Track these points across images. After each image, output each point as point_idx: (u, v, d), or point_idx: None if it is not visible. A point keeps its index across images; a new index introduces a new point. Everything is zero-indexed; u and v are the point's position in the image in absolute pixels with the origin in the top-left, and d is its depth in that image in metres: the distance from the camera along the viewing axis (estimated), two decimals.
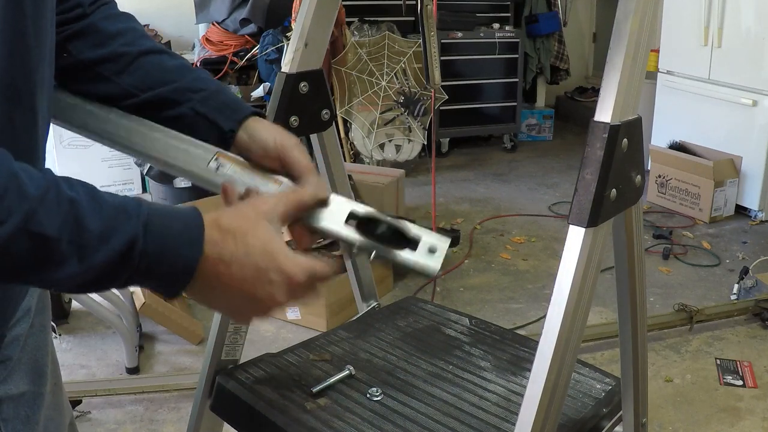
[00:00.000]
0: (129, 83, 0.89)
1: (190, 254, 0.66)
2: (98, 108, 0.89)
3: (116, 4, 0.95)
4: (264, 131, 0.90)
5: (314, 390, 1.01)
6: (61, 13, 0.81)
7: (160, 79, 0.91)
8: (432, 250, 0.79)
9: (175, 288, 0.67)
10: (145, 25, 4.77)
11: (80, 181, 0.63)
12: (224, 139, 0.90)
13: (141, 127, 0.89)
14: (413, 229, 0.81)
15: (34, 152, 0.71)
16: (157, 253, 0.63)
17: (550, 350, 0.72)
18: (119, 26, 0.91)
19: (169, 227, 0.65)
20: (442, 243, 0.80)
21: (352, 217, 0.82)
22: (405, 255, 0.79)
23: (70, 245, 0.59)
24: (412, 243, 0.80)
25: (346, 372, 1.05)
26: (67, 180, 0.62)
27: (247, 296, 0.69)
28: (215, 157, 0.86)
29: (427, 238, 0.80)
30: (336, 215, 0.82)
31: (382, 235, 0.80)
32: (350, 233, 0.81)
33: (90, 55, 0.87)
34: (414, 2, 1.46)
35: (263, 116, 0.94)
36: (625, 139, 0.74)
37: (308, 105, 1.07)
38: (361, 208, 0.82)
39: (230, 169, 0.86)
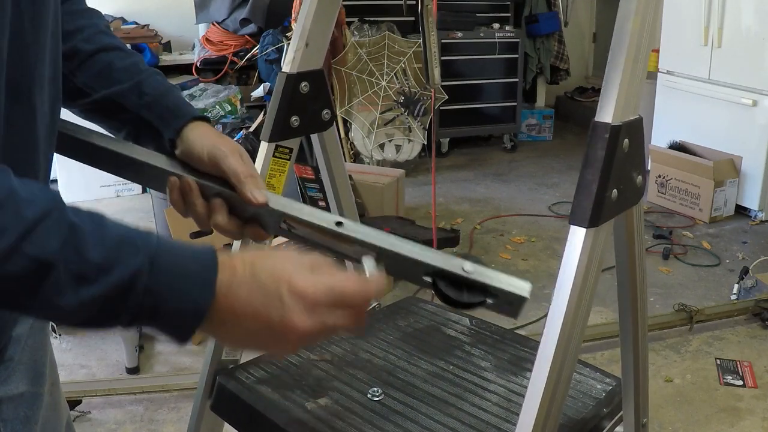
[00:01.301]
0: (82, 81, 0.89)
1: (201, 297, 0.61)
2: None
3: None
4: (197, 142, 0.86)
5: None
6: None
7: (109, 79, 0.89)
8: (510, 303, 0.71)
9: (185, 333, 0.61)
10: (145, 25, 4.76)
11: (89, 209, 0.60)
12: (165, 146, 0.90)
13: None
14: (491, 281, 0.73)
15: (33, 149, 0.71)
16: (164, 292, 0.59)
17: (551, 350, 0.71)
18: (79, 23, 0.90)
19: (179, 265, 0.60)
20: (523, 294, 0.71)
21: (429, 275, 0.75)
22: (489, 306, 0.73)
23: (67, 273, 0.55)
24: (489, 293, 0.73)
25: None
26: (74, 207, 0.59)
27: (262, 324, 0.63)
28: (283, 220, 0.83)
29: (505, 294, 0.72)
30: (412, 273, 0.75)
31: (458, 286, 0.73)
32: (430, 288, 0.75)
33: None
34: (414, 2, 1.45)
35: (204, 119, 0.91)
36: (626, 140, 0.74)
37: (309, 105, 1.07)
38: (439, 264, 0.75)
39: (302, 232, 0.82)
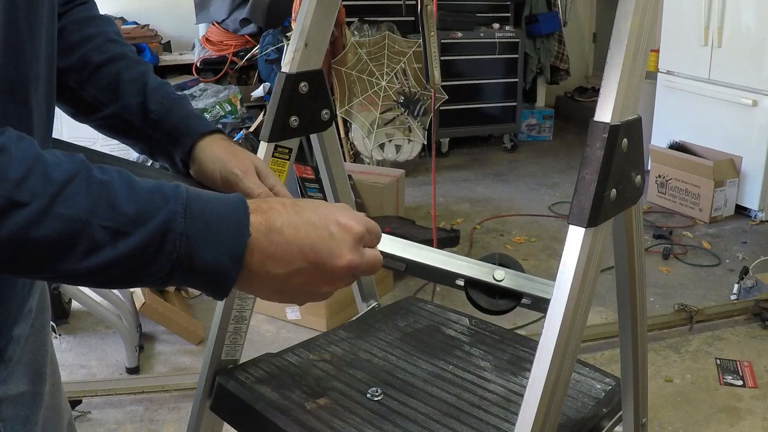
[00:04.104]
0: (92, 96, 0.87)
1: (237, 238, 0.61)
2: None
3: (95, 4, 0.92)
4: (209, 166, 0.86)
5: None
6: None
7: (116, 93, 0.88)
8: (546, 302, 0.75)
9: (226, 277, 0.61)
10: (145, 25, 4.77)
11: (115, 167, 0.60)
12: (178, 166, 0.89)
13: None
14: (523, 288, 0.77)
15: None
16: (200, 235, 0.59)
17: (550, 350, 0.71)
18: (88, 31, 0.88)
19: (211, 210, 0.60)
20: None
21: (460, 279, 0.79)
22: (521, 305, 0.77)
23: (102, 229, 0.56)
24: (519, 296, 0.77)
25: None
26: (101, 166, 0.59)
27: (311, 261, 0.64)
28: None
29: (534, 293, 0.77)
30: (442, 278, 0.79)
31: (490, 293, 0.77)
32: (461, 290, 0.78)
33: (58, 64, 0.84)
34: (414, 2, 1.45)
35: (216, 131, 0.90)
36: (625, 139, 0.74)
37: (308, 105, 1.07)
38: (466, 272, 0.79)
39: None
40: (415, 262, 0.84)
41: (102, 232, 0.56)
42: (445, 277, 0.82)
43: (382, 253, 0.72)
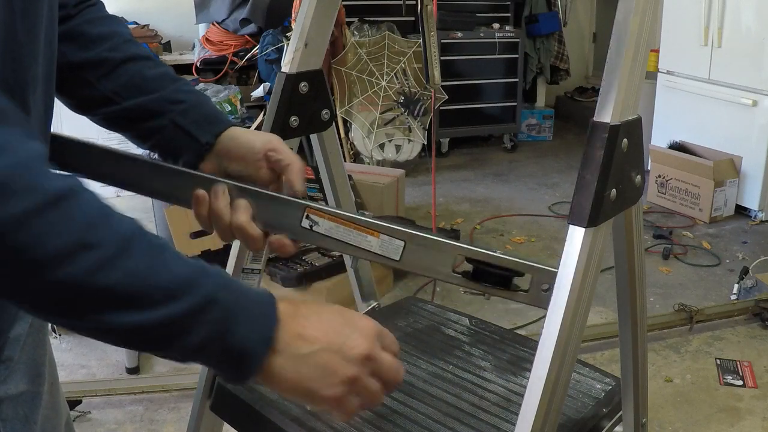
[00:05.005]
0: (110, 90, 0.89)
1: (266, 318, 0.64)
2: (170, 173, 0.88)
3: (104, 5, 0.94)
4: (249, 134, 0.91)
5: None
6: None
7: (141, 88, 0.90)
8: (545, 289, 0.75)
9: (253, 357, 0.63)
10: (145, 25, 4.77)
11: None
12: (200, 151, 0.91)
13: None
14: (522, 264, 0.78)
15: None
16: (237, 311, 0.61)
17: (550, 350, 0.71)
18: (103, 30, 0.90)
19: (243, 291, 0.64)
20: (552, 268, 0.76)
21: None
22: (520, 297, 0.77)
23: (157, 289, 0.58)
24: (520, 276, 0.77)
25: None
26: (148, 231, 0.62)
27: (332, 342, 0.67)
28: (306, 214, 0.84)
29: (539, 274, 0.77)
30: (440, 261, 0.80)
31: (491, 274, 0.78)
32: (460, 280, 0.79)
33: (73, 58, 0.86)
34: (414, 2, 1.46)
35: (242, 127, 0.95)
36: (625, 139, 0.74)
37: (308, 105, 1.07)
38: (467, 251, 0.79)
39: (325, 227, 0.84)
40: None
41: (157, 292, 0.58)
42: (440, 256, 0.82)
43: None
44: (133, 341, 0.60)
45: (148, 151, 0.97)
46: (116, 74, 0.89)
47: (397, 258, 0.81)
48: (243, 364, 0.63)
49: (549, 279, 0.74)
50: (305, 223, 0.84)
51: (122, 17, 4.76)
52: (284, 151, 0.90)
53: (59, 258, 0.54)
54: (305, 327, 0.66)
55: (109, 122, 0.92)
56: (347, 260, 1.30)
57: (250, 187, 0.86)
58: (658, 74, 4.45)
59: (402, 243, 0.81)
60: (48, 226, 0.54)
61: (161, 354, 0.62)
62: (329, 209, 0.84)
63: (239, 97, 4.31)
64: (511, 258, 0.78)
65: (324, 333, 0.67)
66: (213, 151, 0.91)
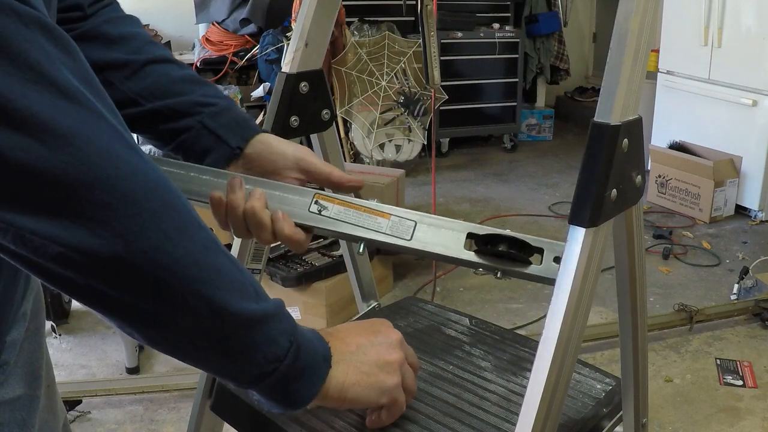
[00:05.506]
0: (134, 91, 0.87)
1: (319, 337, 0.72)
2: (176, 167, 0.86)
3: (119, 5, 0.93)
4: (281, 143, 0.92)
5: None
6: (58, 13, 0.80)
7: (167, 90, 0.89)
8: (558, 260, 0.76)
9: (318, 371, 0.70)
10: (145, 25, 4.76)
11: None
12: (229, 155, 0.90)
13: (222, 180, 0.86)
14: (533, 240, 0.78)
15: None
16: (303, 342, 0.68)
17: (551, 350, 0.71)
18: (124, 30, 0.89)
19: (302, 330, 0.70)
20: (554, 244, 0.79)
21: (469, 237, 0.79)
22: (533, 271, 0.78)
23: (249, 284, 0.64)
24: (533, 254, 0.78)
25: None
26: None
27: (373, 334, 0.78)
28: (315, 200, 0.84)
29: (550, 247, 0.78)
30: (451, 239, 0.80)
31: (502, 252, 0.78)
32: (472, 258, 0.79)
33: (94, 58, 0.84)
34: (414, 2, 1.46)
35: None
36: (626, 140, 0.74)
37: (308, 105, 1.07)
38: (478, 228, 0.79)
39: (333, 211, 0.84)
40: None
41: (250, 287, 0.64)
42: (451, 235, 0.83)
43: None
44: (243, 377, 0.65)
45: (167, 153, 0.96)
46: (140, 76, 0.87)
47: (408, 237, 0.81)
48: (312, 379, 0.70)
49: (561, 251, 0.75)
50: (314, 208, 0.84)
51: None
52: (317, 162, 0.92)
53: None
54: (344, 336, 0.75)
55: (130, 123, 0.91)
56: (347, 260, 1.29)
57: (259, 178, 0.86)
58: (658, 74, 4.46)
59: (413, 222, 0.82)
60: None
61: (241, 367, 0.65)
62: (338, 195, 0.86)
63: (239, 97, 4.32)
64: (522, 235, 0.79)
65: (361, 334, 0.76)
66: (241, 156, 0.90)
